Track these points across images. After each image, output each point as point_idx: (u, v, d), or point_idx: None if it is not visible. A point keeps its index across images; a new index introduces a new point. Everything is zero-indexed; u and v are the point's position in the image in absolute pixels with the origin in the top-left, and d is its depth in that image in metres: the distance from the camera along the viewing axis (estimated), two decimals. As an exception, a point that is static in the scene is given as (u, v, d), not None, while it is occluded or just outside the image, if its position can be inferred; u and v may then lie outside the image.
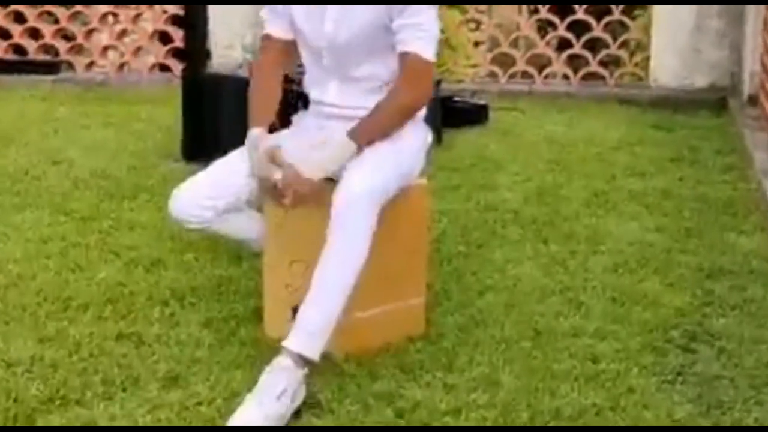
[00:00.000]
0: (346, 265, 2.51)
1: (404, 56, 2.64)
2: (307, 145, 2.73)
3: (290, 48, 2.84)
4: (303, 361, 2.47)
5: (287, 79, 2.90)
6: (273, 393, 2.39)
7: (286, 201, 2.58)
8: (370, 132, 2.63)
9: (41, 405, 2.46)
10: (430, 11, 2.66)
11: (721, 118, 6.00)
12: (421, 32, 2.63)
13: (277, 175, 2.59)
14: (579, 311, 3.08)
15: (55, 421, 2.40)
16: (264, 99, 2.76)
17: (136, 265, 3.43)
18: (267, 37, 2.85)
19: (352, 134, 2.61)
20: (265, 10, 2.85)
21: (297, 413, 2.42)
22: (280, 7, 2.80)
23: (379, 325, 2.77)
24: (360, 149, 2.59)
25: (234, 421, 2.35)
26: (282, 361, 2.46)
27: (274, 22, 2.82)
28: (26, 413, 2.42)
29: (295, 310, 2.63)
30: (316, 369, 2.52)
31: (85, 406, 2.46)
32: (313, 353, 2.49)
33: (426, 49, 2.65)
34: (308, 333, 2.49)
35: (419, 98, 2.71)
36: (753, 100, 5.94)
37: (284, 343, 2.49)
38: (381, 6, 2.63)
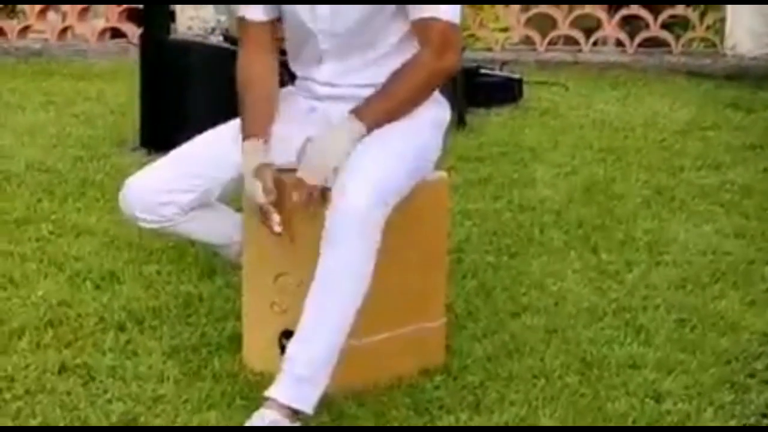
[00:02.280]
0: (344, 293, 2.50)
1: (421, 23, 2.65)
2: (297, 129, 2.72)
3: (275, 29, 2.82)
4: (293, 413, 2.46)
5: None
6: None
7: (273, 227, 2.59)
8: (383, 109, 2.62)
9: (-35, 456, 2.47)
10: None
11: (815, 95, 6.01)
12: None
13: (261, 198, 2.60)
14: (638, 337, 3.08)
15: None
16: (257, 101, 2.73)
17: (84, 280, 3.43)
18: (245, 23, 2.82)
19: (360, 113, 2.60)
20: None
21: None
22: None
23: (387, 355, 2.77)
24: (369, 132, 2.59)
25: None
26: (267, 415, 2.45)
27: (252, 4, 2.78)
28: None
29: (285, 334, 2.63)
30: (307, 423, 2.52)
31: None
32: (307, 404, 2.48)
33: (446, 10, 2.66)
34: (299, 378, 2.47)
35: (450, 65, 2.71)
36: None
37: (269, 393, 2.48)
38: None
